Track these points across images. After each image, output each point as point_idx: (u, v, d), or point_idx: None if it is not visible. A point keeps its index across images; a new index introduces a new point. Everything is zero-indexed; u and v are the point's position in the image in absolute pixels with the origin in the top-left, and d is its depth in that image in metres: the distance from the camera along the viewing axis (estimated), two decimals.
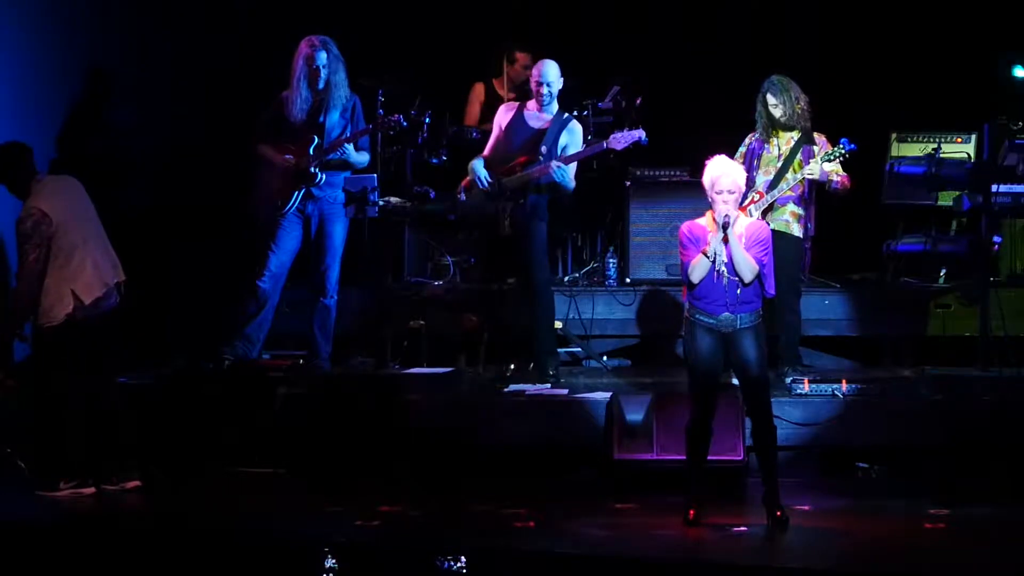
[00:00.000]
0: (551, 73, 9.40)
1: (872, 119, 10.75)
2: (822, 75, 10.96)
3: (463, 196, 9.57)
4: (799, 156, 9.07)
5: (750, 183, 8.80)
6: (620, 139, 9.37)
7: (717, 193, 7.41)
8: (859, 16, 11.24)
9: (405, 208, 10.52)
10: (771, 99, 9.09)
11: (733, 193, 7.40)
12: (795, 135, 9.11)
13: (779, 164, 9.05)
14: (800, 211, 9.12)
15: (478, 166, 9.47)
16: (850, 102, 10.88)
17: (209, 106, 10.72)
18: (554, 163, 9.26)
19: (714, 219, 7.45)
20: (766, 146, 9.13)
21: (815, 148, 9.09)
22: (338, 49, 9.47)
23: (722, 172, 7.44)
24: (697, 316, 7.48)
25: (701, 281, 7.40)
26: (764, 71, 9.28)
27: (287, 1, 10.98)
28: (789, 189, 9.00)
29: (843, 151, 8.90)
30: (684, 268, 7.47)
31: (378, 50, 10.74)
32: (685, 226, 7.54)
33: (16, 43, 9.79)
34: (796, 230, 9.10)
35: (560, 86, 9.44)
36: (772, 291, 7.57)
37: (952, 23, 11.02)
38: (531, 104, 9.52)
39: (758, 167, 9.09)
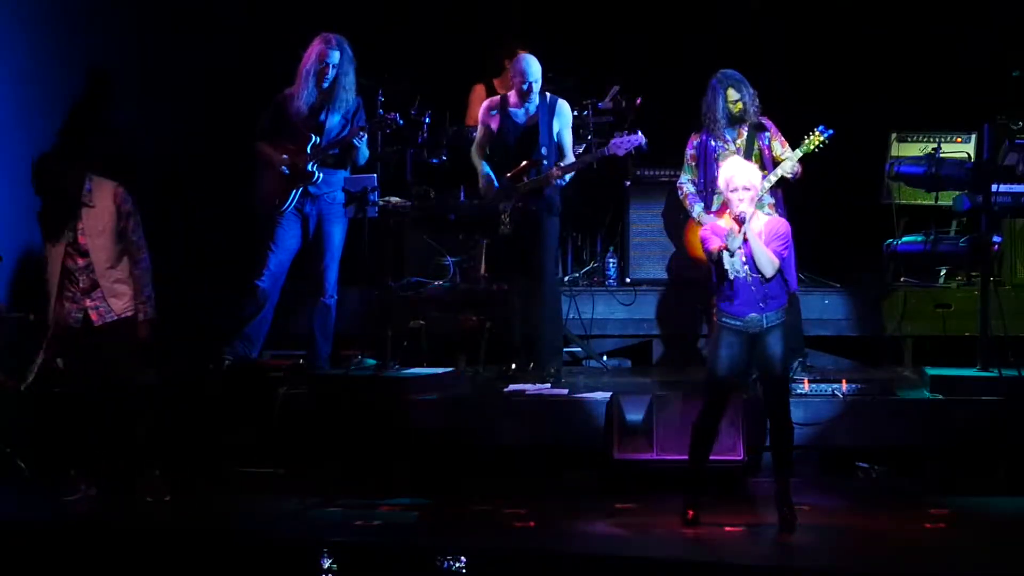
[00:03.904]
0: (536, 71, 9.33)
1: (872, 119, 10.75)
2: (822, 74, 10.97)
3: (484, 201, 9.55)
4: (757, 145, 9.07)
5: (712, 182, 8.81)
6: (620, 144, 9.33)
7: (732, 191, 7.40)
8: (859, 15, 11.23)
9: (405, 208, 10.51)
10: (733, 94, 9.07)
11: (749, 190, 7.39)
12: (745, 126, 9.12)
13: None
14: (773, 199, 9.11)
15: (490, 172, 9.46)
16: (850, 101, 10.87)
17: (209, 106, 10.72)
18: (556, 173, 9.26)
19: (732, 217, 7.44)
20: (719, 143, 9.11)
21: (767, 134, 9.10)
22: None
23: (736, 171, 7.46)
24: (724, 319, 7.47)
25: (731, 270, 7.37)
26: (765, 70, 9.27)
27: (287, 1, 10.98)
28: (767, 190, 8.99)
29: (823, 139, 8.86)
30: (710, 260, 7.44)
31: (378, 50, 10.73)
32: (706, 225, 7.61)
33: (16, 43, 9.78)
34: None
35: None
36: (795, 285, 7.61)
37: (953, 22, 11.01)
38: (512, 99, 9.48)
39: (719, 165, 9.06)
